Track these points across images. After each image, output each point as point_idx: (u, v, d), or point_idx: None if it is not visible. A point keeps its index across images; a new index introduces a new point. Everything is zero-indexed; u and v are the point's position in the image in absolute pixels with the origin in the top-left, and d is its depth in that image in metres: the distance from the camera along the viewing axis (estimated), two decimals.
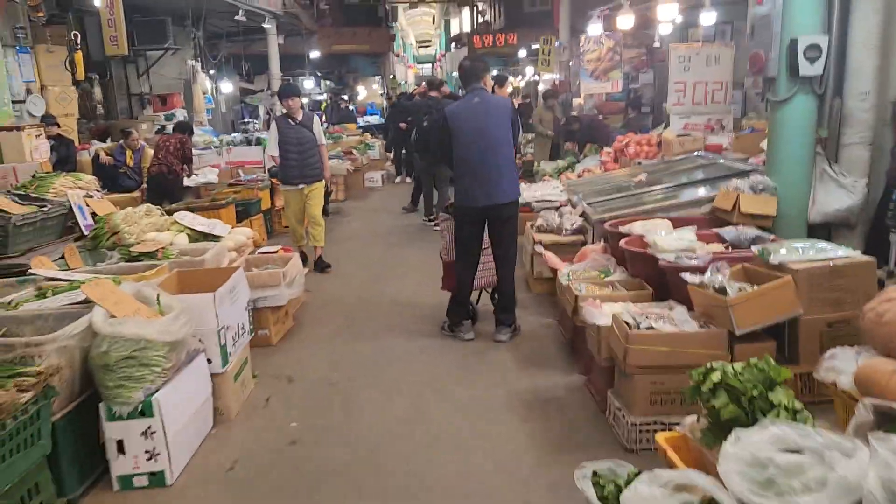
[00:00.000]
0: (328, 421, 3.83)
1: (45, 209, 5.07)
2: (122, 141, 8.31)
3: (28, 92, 8.32)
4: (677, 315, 3.52)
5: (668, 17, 8.13)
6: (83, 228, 5.25)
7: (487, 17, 28.58)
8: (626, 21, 8.49)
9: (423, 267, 6.96)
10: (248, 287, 4.36)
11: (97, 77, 11.05)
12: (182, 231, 5.32)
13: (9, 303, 3.55)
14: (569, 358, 4.58)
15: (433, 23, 42.15)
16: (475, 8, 27.27)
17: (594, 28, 8.97)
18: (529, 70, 24.40)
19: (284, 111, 6.87)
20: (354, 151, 12.61)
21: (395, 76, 28.45)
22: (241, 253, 5.47)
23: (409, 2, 27.30)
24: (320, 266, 7.04)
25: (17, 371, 2.77)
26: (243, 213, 7.63)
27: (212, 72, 12.20)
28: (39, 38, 8.60)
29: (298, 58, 23.23)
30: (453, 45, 31.19)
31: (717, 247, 4.39)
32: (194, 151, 8.61)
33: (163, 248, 4.82)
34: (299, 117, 6.76)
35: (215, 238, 5.33)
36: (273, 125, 6.98)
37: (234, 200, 7.61)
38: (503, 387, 4.17)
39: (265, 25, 11.30)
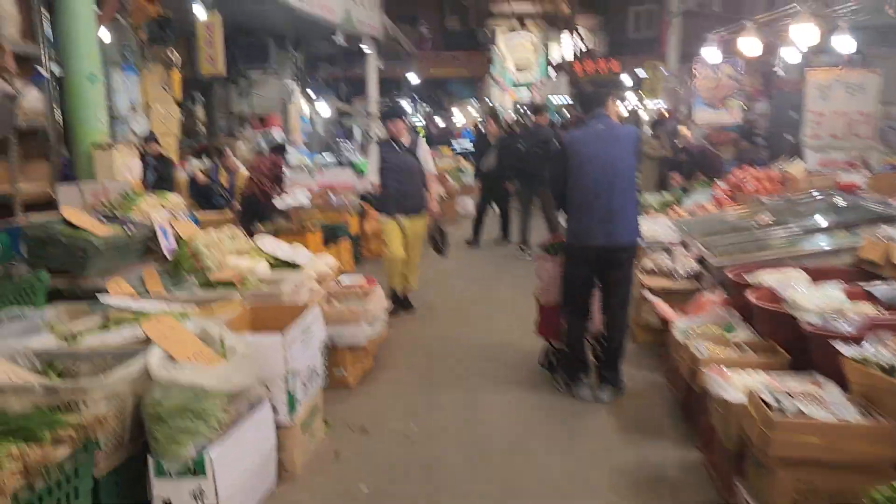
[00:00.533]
0: (402, 488, 3.37)
1: (129, 231, 4.92)
2: (216, 159, 8.29)
3: (133, 110, 8.44)
4: (829, 396, 2.87)
5: (804, 40, 7.27)
6: (165, 252, 5.06)
7: (590, 46, 28.02)
8: (750, 46, 7.66)
9: (515, 306, 6.45)
10: (323, 326, 3.99)
11: (201, 96, 11.26)
12: (263, 257, 5.05)
13: (71, 335, 3.30)
14: (681, 425, 3.96)
15: (532, 48, 41.92)
16: (577, 33, 26.76)
17: (710, 53, 8.16)
18: (632, 97, 23.64)
19: (388, 135, 6.35)
20: (447, 176, 12.28)
21: (490, 100, 28.23)
22: (322, 282, 5.15)
23: (510, 26, 27.06)
24: (405, 305, 6.52)
25: (56, 420, 2.47)
26: (330, 237, 7.37)
27: (310, 93, 12.23)
28: (147, 57, 8.76)
29: (397, 81, 23.40)
30: (553, 71, 30.74)
31: (868, 307, 3.67)
32: (286, 171, 8.48)
33: (241, 277, 4.54)
34: (405, 142, 6.22)
35: (296, 266, 5.03)
36: (376, 149, 6.61)
37: (321, 224, 7.36)
38: (606, 460, 3.59)
39: (363, 48, 11.18)
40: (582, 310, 4.40)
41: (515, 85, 46.15)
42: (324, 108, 11.99)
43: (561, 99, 28.44)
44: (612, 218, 4.13)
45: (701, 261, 5.26)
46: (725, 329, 4.02)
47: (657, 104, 14.29)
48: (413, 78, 22.39)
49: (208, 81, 11.37)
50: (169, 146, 9.15)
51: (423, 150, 6.38)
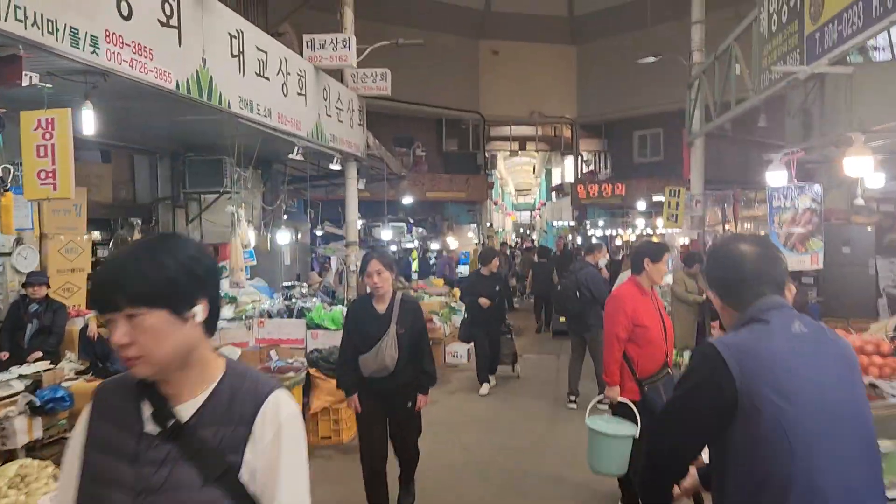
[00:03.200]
0: None
1: None
2: None
3: (18, 242, 6.53)
4: None
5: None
6: None
7: (592, 167, 26.90)
8: (858, 165, 5.49)
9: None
10: None
11: (139, 223, 9.46)
12: None
13: None
14: None
15: (533, 172, 41.18)
16: (580, 158, 25.65)
17: (776, 178, 5.99)
18: (640, 222, 22.09)
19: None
20: (435, 318, 10.25)
21: (492, 224, 26.77)
22: None
23: (510, 149, 26.02)
24: None
25: None
26: None
27: (275, 218, 10.43)
28: None
29: (381, 203, 21.93)
30: (554, 193, 29.51)
31: None
32: (222, 325, 6.42)
33: None
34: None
35: None
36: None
37: None
38: None
39: (333, 166, 9.47)
40: None
41: (517, 209, 45.42)
42: (284, 237, 10.13)
43: (563, 224, 27.02)
44: None
45: None
46: None
47: (676, 233, 12.48)
48: (407, 200, 20.94)
49: (151, 204, 9.60)
50: (74, 286, 7.18)
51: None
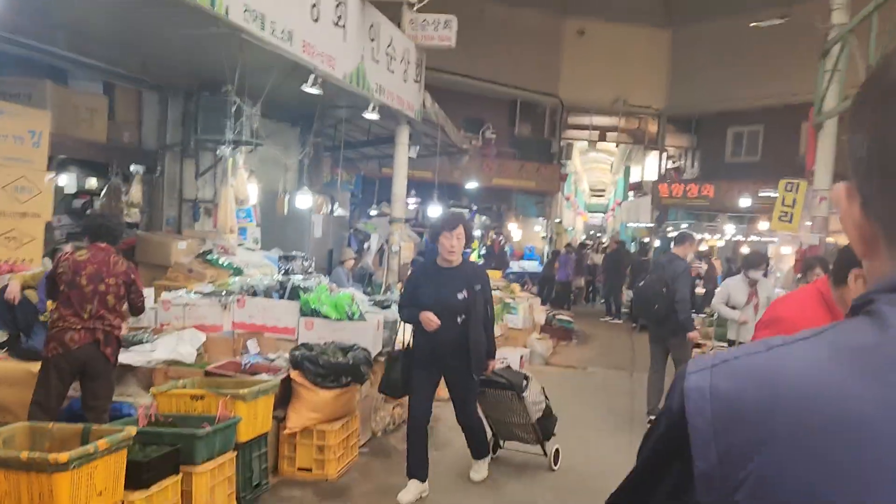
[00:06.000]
0: None
1: None
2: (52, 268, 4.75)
3: None
4: None
5: None
6: None
7: (678, 165, 24.49)
8: None
9: None
10: None
11: (142, 171, 7.95)
12: None
13: None
14: None
15: (610, 170, 38.81)
16: (665, 154, 23.30)
17: None
18: (730, 228, 19.66)
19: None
20: None
21: (561, 220, 24.71)
22: None
23: (588, 138, 23.86)
24: None
25: None
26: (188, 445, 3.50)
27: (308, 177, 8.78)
28: None
29: (451, 186, 20.19)
30: (632, 192, 27.21)
31: None
32: (188, 300, 4.78)
33: None
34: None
35: None
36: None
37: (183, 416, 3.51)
38: None
39: (368, 115, 7.75)
40: None
41: (589, 210, 43.06)
42: (304, 201, 8.47)
43: (639, 225, 24.75)
44: None
45: None
46: None
47: (788, 239, 10.27)
48: (471, 185, 19.15)
49: (157, 152, 8.09)
50: (25, 235, 5.69)
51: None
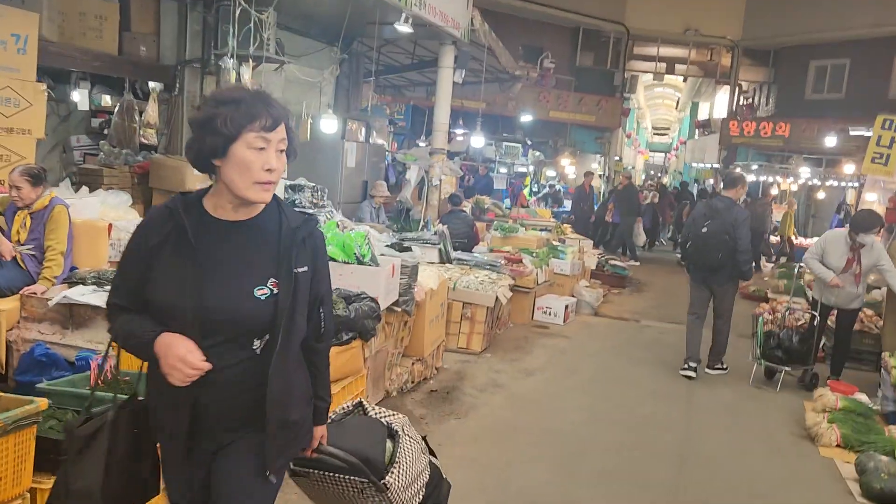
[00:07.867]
0: None
1: None
2: (13, 190, 4.14)
3: None
4: None
5: None
6: None
7: (752, 101, 22.68)
8: None
9: None
10: None
11: (160, 88, 7.30)
12: None
13: None
14: None
15: (676, 107, 36.68)
16: (738, 88, 21.53)
17: None
18: (805, 171, 18.11)
19: None
20: (526, 259, 7.60)
21: (621, 158, 23.36)
22: None
23: (655, 71, 22.21)
24: None
25: None
26: None
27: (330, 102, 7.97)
28: None
29: (503, 118, 19.06)
30: (699, 131, 25.50)
31: None
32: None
33: None
34: None
35: None
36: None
37: None
38: None
39: (399, 27, 6.85)
40: None
41: (651, 149, 41.04)
42: (329, 125, 7.68)
43: (704, 166, 23.21)
44: None
45: None
46: None
47: (881, 185, 9.07)
48: (525, 118, 18.04)
49: (175, 67, 7.42)
50: (14, 154, 5.12)
51: None
